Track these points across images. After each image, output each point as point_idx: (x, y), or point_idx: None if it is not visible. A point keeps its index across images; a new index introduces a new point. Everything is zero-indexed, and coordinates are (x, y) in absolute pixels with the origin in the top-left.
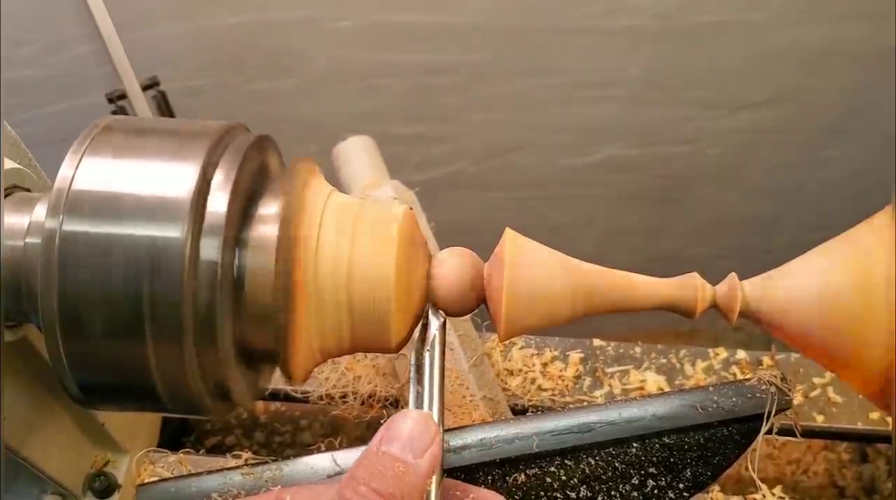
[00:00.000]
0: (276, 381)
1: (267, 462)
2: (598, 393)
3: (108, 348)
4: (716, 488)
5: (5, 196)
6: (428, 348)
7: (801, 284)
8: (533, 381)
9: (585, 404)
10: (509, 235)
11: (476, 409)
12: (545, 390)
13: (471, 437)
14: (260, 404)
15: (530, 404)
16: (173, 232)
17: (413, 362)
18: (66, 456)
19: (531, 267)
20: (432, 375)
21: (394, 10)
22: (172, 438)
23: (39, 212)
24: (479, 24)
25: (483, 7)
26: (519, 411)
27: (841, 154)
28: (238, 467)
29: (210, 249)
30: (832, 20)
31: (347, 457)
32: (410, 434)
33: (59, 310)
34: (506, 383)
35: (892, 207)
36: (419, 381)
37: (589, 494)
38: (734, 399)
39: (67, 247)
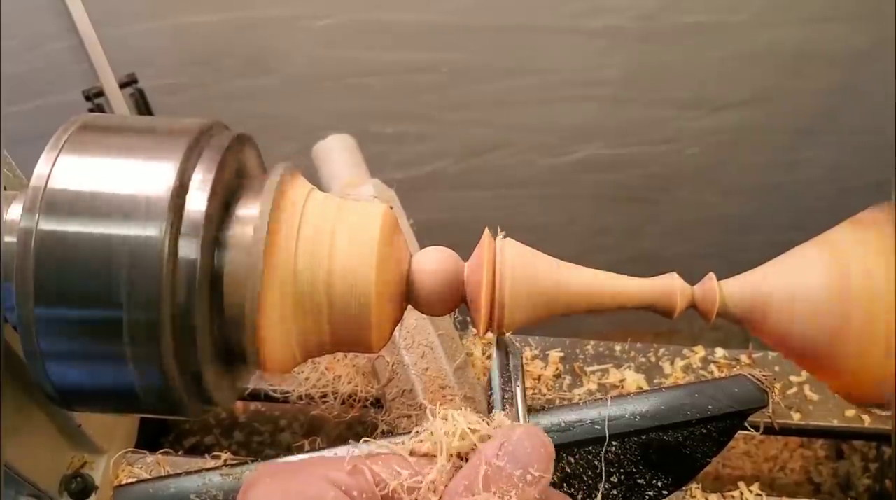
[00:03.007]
0: (256, 381)
1: (246, 463)
2: (577, 392)
3: (85, 348)
4: (694, 485)
5: None
6: (518, 384)
7: (778, 283)
8: None
9: (565, 402)
10: (489, 234)
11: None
12: (525, 388)
13: None
14: (239, 404)
15: None
16: (151, 231)
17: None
18: (42, 457)
19: (511, 266)
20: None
21: (374, 8)
22: (150, 438)
23: (15, 211)
24: (459, 22)
25: (463, 6)
26: None
27: (818, 155)
28: (217, 467)
29: (188, 248)
30: (810, 22)
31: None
32: (528, 456)
33: (36, 309)
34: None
35: (872, 208)
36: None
37: (569, 492)
38: (712, 398)
39: (44, 246)
